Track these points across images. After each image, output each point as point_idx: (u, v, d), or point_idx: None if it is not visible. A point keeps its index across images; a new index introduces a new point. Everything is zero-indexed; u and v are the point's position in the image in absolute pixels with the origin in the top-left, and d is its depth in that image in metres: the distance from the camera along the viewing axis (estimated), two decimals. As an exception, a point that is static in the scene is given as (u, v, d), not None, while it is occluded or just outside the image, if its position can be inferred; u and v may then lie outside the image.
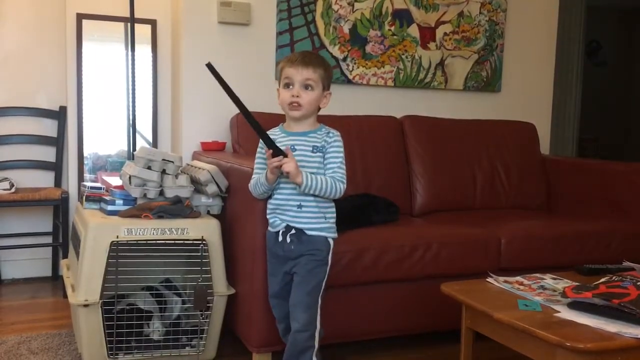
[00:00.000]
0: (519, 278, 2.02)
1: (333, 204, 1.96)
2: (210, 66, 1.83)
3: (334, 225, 1.97)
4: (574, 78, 3.82)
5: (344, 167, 1.93)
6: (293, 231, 1.91)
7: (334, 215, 1.97)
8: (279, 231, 1.94)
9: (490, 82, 3.59)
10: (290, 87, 1.90)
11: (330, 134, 1.93)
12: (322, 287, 1.92)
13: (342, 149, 1.93)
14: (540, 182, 3.31)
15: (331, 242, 1.95)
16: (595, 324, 1.58)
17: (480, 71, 3.55)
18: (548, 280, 1.99)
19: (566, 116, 3.83)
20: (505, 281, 1.98)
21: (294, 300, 1.91)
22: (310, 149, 1.91)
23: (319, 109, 1.97)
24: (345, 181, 1.91)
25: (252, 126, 1.84)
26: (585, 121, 4.24)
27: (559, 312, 1.68)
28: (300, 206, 1.90)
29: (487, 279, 2.00)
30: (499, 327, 1.71)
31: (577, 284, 1.86)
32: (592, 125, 5.68)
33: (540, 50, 3.74)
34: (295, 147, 1.91)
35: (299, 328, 1.88)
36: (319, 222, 1.91)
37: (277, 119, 2.10)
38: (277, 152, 1.83)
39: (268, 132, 1.96)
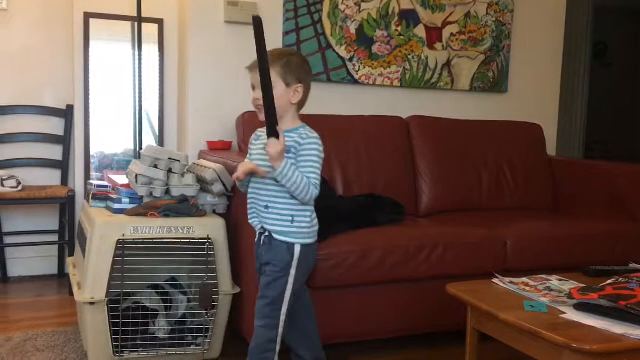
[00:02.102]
0: (524, 279, 2.02)
1: (308, 208, 1.81)
2: (257, 20, 1.62)
3: (305, 230, 1.80)
4: (581, 79, 3.80)
5: (318, 172, 1.77)
6: (267, 233, 1.82)
7: (308, 220, 1.81)
8: (258, 232, 1.87)
9: (497, 82, 3.58)
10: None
11: (304, 136, 1.78)
12: (286, 299, 1.79)
13: (316, 153, 1.77)
14: (546, 184, 3.31)
15: (297, 248, 1.79)
16: (602, 326, 1.58)
17: (487, 72, 3.54)
18: (554, 281, 1.99)
19: (573, 117, 3.81)
20: (511, 282, 1.98)
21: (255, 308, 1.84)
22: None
23: (294, 105, 1.82)
24: (318, 188, 1.76)
25: (265, 100, 1.69)
26: (592, 123, 4.22)
27: (565, 313, 1.68)
28: (267, 207, 1.80)
29: (493, 280, 2.00)
30: (504, 328, 1.71)
31: (583, 285, 1.86)
32: (599, 126, 5.65)
33: (547, 51, 3.73)
34: None
35: (256, 336, 1.82)
36: (285, 226, 1.78)
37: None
38: (272, 134, 1.70)
39: (257, 131, 1.91)
